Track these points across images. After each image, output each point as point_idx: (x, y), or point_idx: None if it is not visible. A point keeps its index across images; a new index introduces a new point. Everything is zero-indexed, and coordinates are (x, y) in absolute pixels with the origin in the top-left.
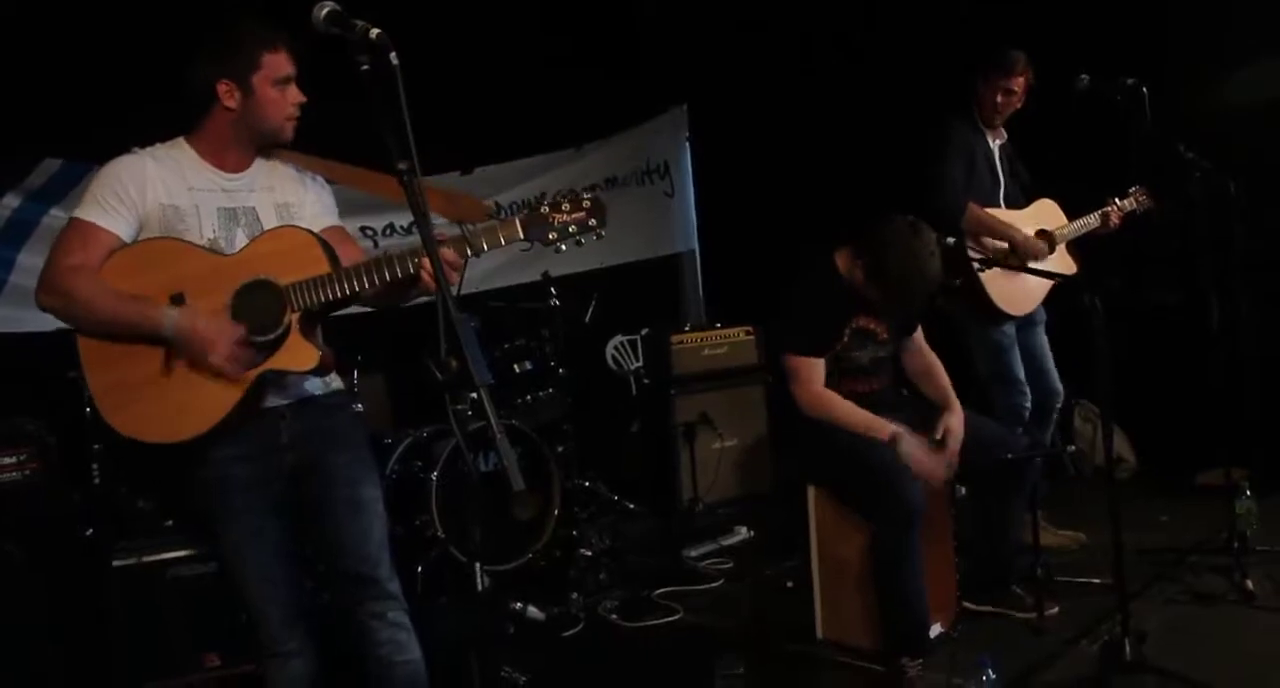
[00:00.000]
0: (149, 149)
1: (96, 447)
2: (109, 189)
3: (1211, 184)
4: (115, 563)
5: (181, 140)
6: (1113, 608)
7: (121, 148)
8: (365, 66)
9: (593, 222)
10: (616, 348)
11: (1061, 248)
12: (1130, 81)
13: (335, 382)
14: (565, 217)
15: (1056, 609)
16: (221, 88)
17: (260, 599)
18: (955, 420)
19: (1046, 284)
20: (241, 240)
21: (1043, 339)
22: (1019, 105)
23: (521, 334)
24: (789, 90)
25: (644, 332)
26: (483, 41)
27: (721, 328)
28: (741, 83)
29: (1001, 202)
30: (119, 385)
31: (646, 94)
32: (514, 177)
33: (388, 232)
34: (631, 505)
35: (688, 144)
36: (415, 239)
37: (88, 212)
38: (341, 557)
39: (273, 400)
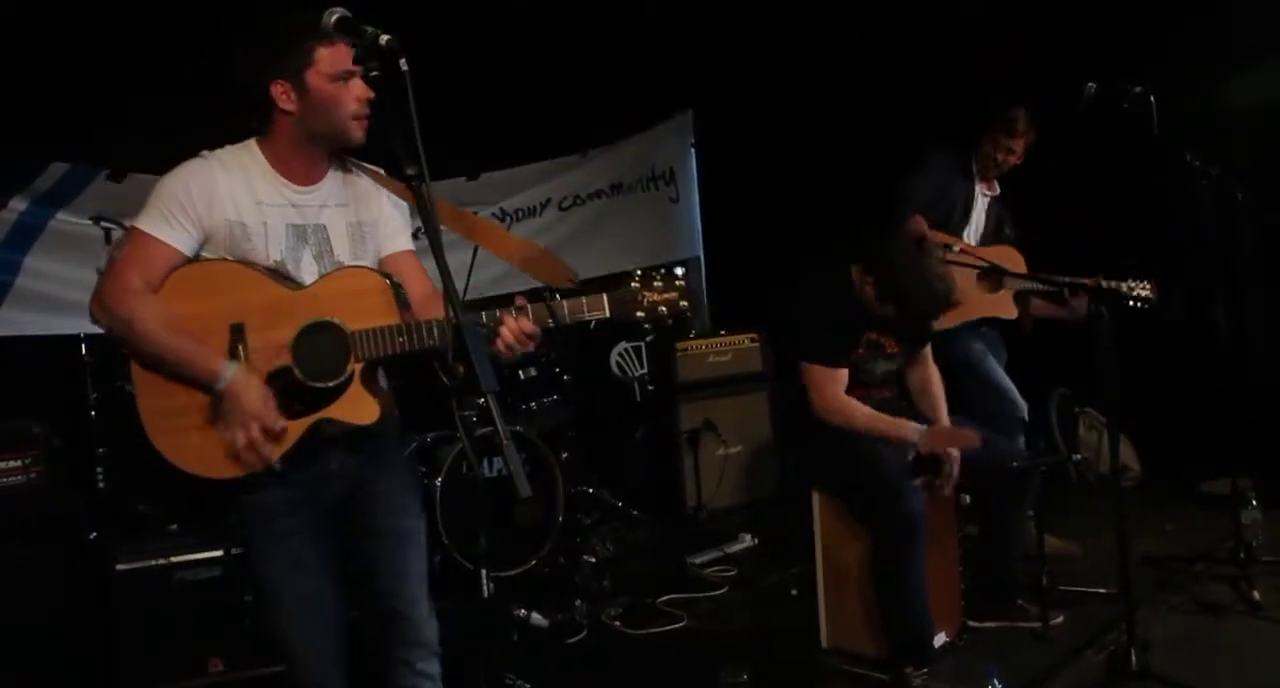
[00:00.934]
0: (218, 154)
1: (101, 450)
2: (175, 201)
3: (1219, 191)
4: (120, 567)
5: (253, 143)
6: (1118, 618)
7: (127, 151)
8: (375, 72)
9: (683, 304)
10: (621, 354)
11: (1007, 293)
12: (1138, 89)
13: (383, 380)
14: (655, 296)
15: (1061, 619)
16: (276, 90)
17: (301, 634)
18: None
19: (984, 305)
20: (308, 261)
21: (997, 353)
22: (1018, 162)
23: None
24: (794, 96)
25: (648, 338)
26: (488, 47)
27: (726, 334)
28: (747, 89)
29: (968, 239)
30: (170, 411)
31: (652, 100)
32: (519, 182)
33: (520, 215)
34: (635, 512)
35: (693, 150)
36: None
37: (151, 223)
38: (378, 591)
39: (325, 431)
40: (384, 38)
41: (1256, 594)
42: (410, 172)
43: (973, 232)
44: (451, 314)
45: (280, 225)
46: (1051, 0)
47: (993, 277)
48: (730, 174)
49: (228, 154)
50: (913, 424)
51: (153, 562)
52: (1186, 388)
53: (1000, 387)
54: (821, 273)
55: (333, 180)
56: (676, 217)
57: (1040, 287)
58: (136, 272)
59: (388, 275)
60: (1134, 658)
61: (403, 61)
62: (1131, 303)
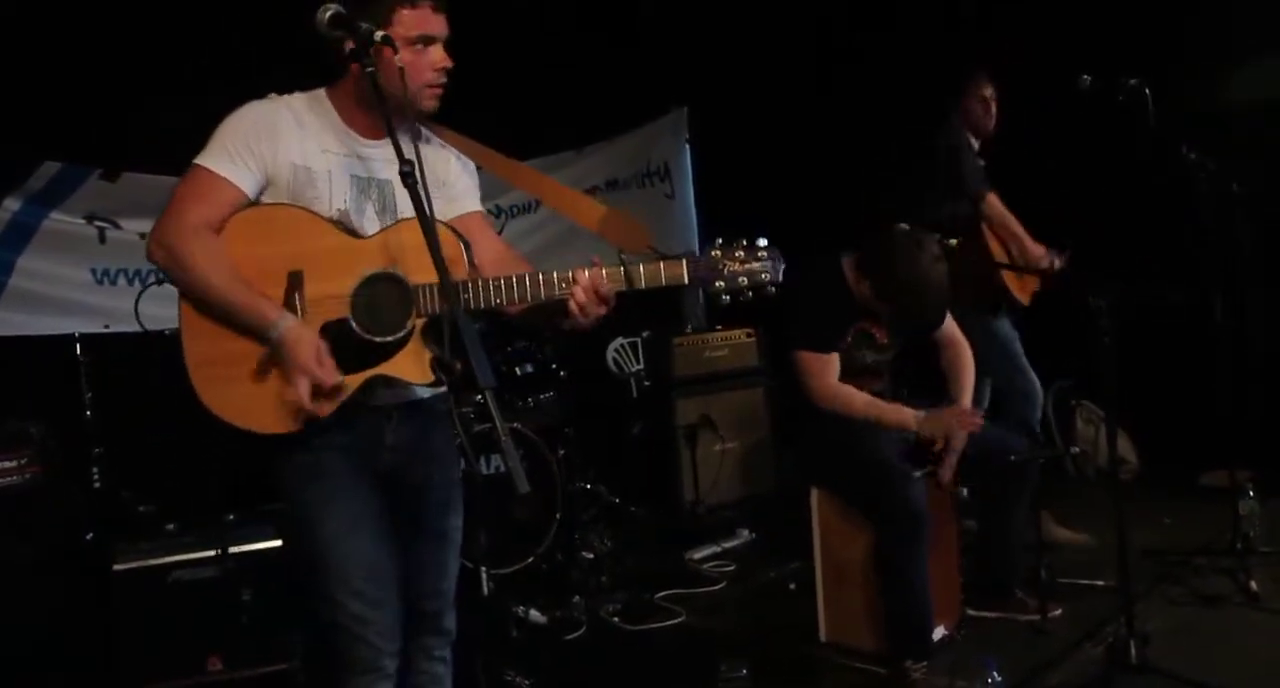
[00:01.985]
0: (286, 98)
1: (98, 450)
2: (240, 138)
3: (1215, 184)
4: (117, 567)
5: (323, 93)
6: (1117, 610)
7: (121, 150)
8: (370, 69)
9: (765, 276)
10: (617, 350)
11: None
12: (1133, 82)
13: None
14: (737, 265)
15: (1060, 611)
16: (348, 44)
17: (361, 598)
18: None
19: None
20: (370, 216)
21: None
22: (993, 122)
23: (522, 336)
24: (790, 92)
25: (645, 334)
26: (482, 43)
27: (722, 330)
28: (742, 85)
29: None
30: (218, 359)
31: (647, 96)
32: None
33: (514, 211)
34: (633, 508)
35: (688, 146)
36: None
37: (214, 160)
38: (414, 588)
39: (381, 398)
40: (379, 34)
41: (1254, 586)
42: (404, 168)
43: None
44: (447, 308)
45: (344, 175)
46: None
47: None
48: (725, 170)
49: (296, 100)
50: (910, 410)
51: (150, 561)
52: (1184, 380)
53: (1022, 366)
54: (813, 264)
55: (401, 136)
56: (671, 213)
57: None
58: (197, 209)
59: (453, 229)
60: (1133, 650)
61: (398, 58)
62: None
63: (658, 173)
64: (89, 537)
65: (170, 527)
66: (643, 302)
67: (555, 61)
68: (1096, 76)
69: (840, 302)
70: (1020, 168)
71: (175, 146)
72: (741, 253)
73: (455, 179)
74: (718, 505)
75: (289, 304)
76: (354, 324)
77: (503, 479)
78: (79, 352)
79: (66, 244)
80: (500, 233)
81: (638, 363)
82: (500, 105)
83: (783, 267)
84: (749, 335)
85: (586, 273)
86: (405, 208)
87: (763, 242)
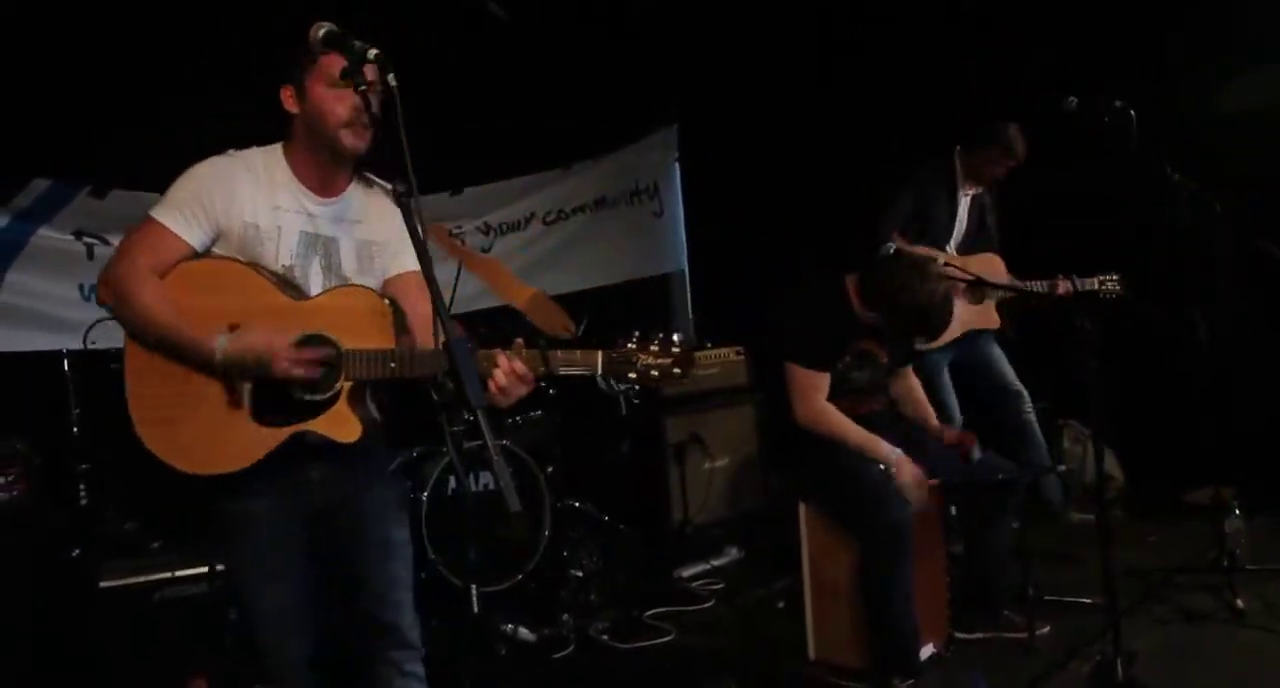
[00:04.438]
0: (244, 154)
1: (83, 467)
2: (193, 196)
3: (1198, 206)
4: (102, 584)
5: (279, 148)
6: (1103, 628)
7: (110, 167)
8: (363, 87)
9: (678, 370)
10: None
11: (990, 303)
12: (1118, 103)
13: (373, 411)
14: (651, 359)
15: (1048, 629)
16: (285, 94)
17: (277, 638)
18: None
19: (967, 320)
20: (316, 271)
21: (993, 352)
22: (1002, 178)
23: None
24: (779, 111)
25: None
26: (472, 61)
27: (711, 348)
28: (731, 103)
29: (952, 246)
30: (157, 401)
31: (636, 114)
32: (503, 197)
33: (504, 229)
34: (622, 526)
35: (677, 164)
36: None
37: (167, 215)
38: (365, 601)
39: (307, 438)
40: (372, 52)
41: (1240, 603)
42: (400, 188)
43: (957, 234)
44: (441, 330)
45: (293, 232)
46: (1037, 13)
47: (976, 289)
48: (714, 188)
49: (253, 155)
50: (891, 449)
51: (136, 579)
52: (1168, 399)
53: (937, 401)
54: (816, 281)
55: (352, 196)
56: (660, 231)
57: (1022, 291)
58: (146, 257)
59: (388, 297)
60: (1119, 668)
61: (390, 77)
62: (1104, 296)
63: (647, 191)
64: (75, 554)
65: (156, 545)
66: (632, 319)
67: (544, 79)
68: (1082, 98)
69: (843, 321)
70: (1006, 188)
71: (163, 164)
72: (656, 347)
73: (395, 237)
74: (707, 524)
75: None
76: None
77: (492, 497)
78: (66, 368)
79: (55, 260)
80: (489, 250)
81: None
82: (490, 123)
83: (694, 366)
84: (738, 354)
85: (506, 356)
86: (349, 264)
87: (678, 337)
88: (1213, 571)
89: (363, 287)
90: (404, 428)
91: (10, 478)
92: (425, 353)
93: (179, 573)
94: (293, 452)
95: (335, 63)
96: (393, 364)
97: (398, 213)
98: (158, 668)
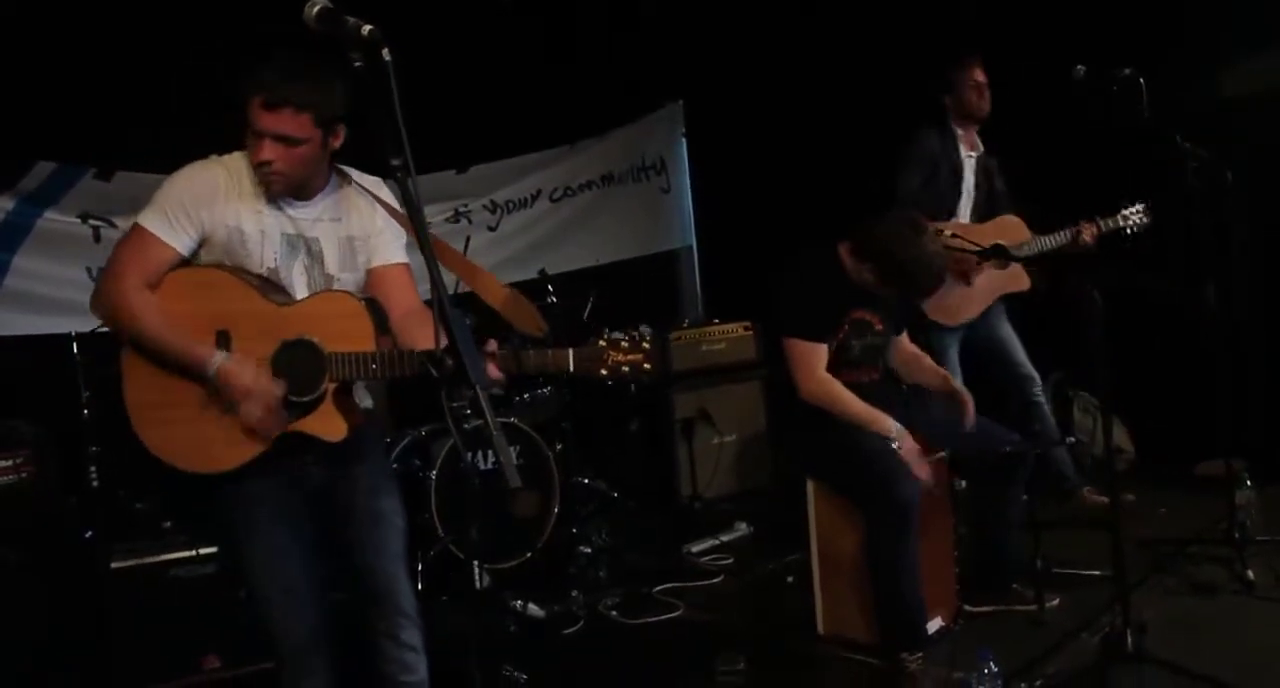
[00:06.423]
0: (225, 159)
1: (94, 449)
2: (178, 202)
3: (1209, 174)
4: (114, 565)
5: None
6: (1113, 600)
7: (115, 150)
8: (358, 64)
9: (647, 366)
10: None
11: (1018, 265)
12: (1127, 72)
13: (366, 400)
14: (621, 357)
15: (1057, 601)
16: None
17: (284, 616)
18: (958, 385)
19: (988, 294)
20: (299, 271)
21: (1004, 333)
22: (988, 106)
23: (518, 332)
24: (785, 85)
25: (641, 328)
26: (477, 38)
27: (719, 324)
28: (738, 78)
29: (964, 212)
30: (155, 404)
31: (642, 90)
32: (509, 174)
33: (510, 206)
34: (631, 502)
35: (684, 140)
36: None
37: (153, 222)
38: (358, 568)
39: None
40: (366, 28)
41: (1251, 574)
42: (395, 163)
43: (965, 201)
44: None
45: (276, 234)
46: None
47: (997, 257)
48: (721, 164)
49: (235, 160)
50: (893, 423)
51: (147, 560)
52: (1179, 370)
53: (1017, 370)
54: (808, 252)
55: (329, 195)
56: (667, 207)
57: (1048, 247)
58: (136, 269)
59: (367, 299)
60: (1129, 640)
61: (385, 52)
62: (1131, 230)
63: (654, 167)
64: (86, 535)
65: (167, 525)
66: (640, 296)
67: (550, 55)
68: (1091, 66)
69: (836, 289)
70: (1014, 156)
71: (169, 146)
72: (626, 344)
73: (379, 232)
74: (715, 499)
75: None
76: None
77: (500, 475)
78: (75, 351)
79: (61, 243)
80: (496, 228)
81: None
82: (495, 100)
83: (665, 360)
84: (746, 329)
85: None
86: (332, 262)
87: (647, 331)
88: (1223, 542)
89: (341, 292)
90: (413, 407)
91: (20, 461)
92: (405, 354)
93: (190, 553)
94: (285, 445)
95: (254, 112)
96: (374, 366)
97: (376, 207)
98: (170, 648)
